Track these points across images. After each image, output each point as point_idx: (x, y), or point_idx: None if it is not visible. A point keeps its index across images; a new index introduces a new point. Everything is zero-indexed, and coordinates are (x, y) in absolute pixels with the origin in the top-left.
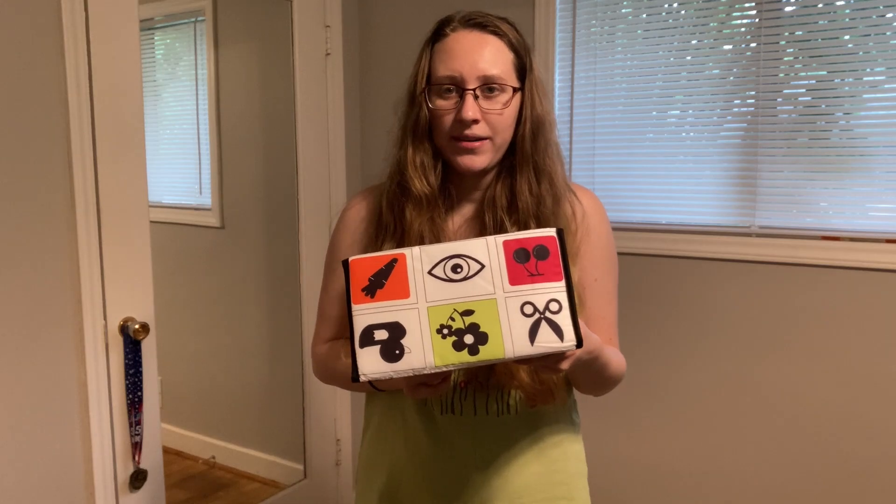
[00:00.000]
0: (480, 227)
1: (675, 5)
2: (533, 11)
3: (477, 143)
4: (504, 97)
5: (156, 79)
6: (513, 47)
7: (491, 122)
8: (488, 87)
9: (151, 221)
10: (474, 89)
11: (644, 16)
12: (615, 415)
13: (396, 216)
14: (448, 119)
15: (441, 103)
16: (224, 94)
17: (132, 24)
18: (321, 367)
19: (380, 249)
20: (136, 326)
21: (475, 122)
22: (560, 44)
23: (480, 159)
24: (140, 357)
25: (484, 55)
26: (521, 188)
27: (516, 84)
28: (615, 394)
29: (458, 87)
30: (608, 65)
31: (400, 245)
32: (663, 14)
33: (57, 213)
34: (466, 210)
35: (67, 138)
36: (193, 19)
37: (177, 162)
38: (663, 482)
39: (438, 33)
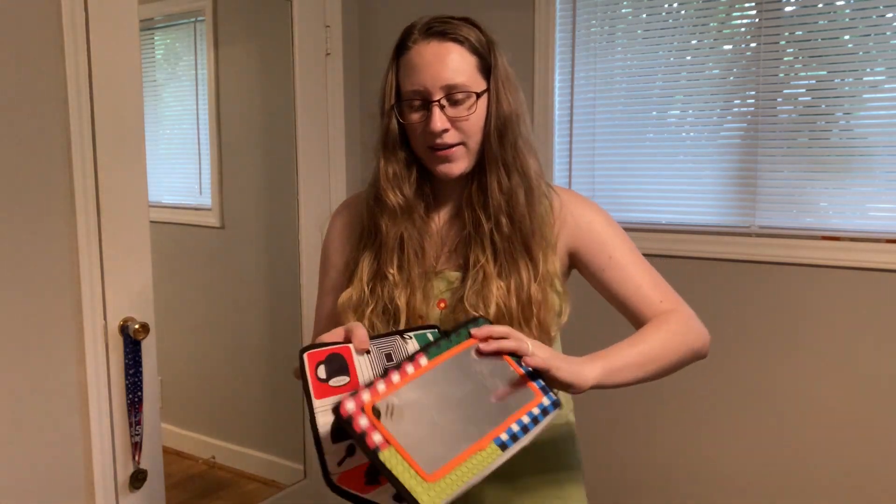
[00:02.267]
0: (461, 225)
1: (675, 5)
2: (533, 11)
3: (451, 151)
4: (469, 102)
5: (156, 79)
6: (475, 50)
7: (461, 127)
8: (453, 95)
9: (151, 221)
10: (439, 100)
11: (644, 16)
12: (613, 415)
13: (376, 225)
14: (421, 131)
15: (412, 117)
16: (224, 94)
17: (132, 24)
18: None
19: (361, 256)
20: (136, 326)
21: (445, 131)
22: (560, 44)
23: (457, 165)
24: (140, 357)
25: (446, 65)
26: (492, 186)
27: (481, 87)
28: (614, 394)
29: (423, 101)
30: (608, 65)
31: (378, 254)
32: (663, 14)
33: (57, 213)
34: (449, 208)
35: (67, 138)
36: (193, 19)
37: (177, 162)
38: (662, 482)
39: (401, 46)
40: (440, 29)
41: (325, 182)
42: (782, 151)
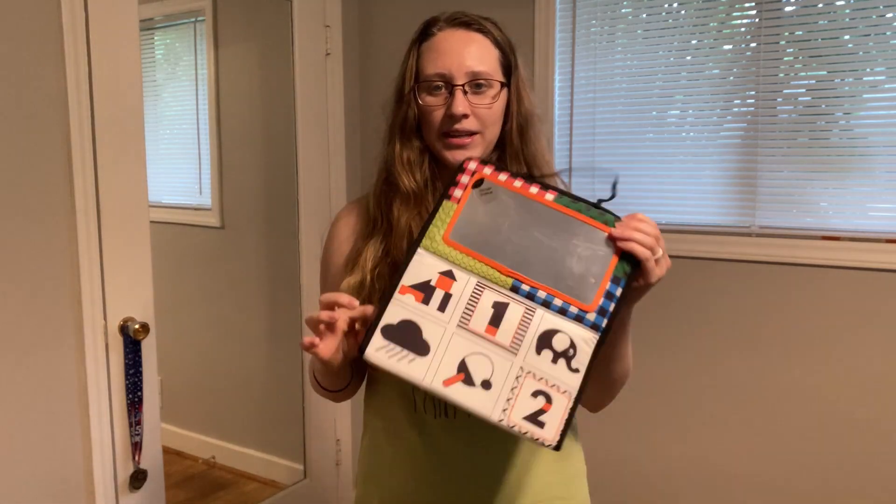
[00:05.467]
0: None
1: (675, 5)
2: (533, 11)
3: (468, 139)
4: (492, 92)
5: (156, 79)
6: (498, 45)
7: (480, 116)
8: (476, 82)
9: (151, 221)
10: (463, 85)
11: (644, 16)
12: (615, 415)
13: (384, 211)
14: (438, 115)
15: (430, 100)
16: (224, 94)
17: (132, 24)
18: (310, 376)
19: (365, 246)
20: (136, 326)
21: (465, 116)
22: (560, 44)
23: (470, 153)
24: (140, 357)
25: (471, 52)
26: None
27: (503, 79)
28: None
29: (447, 84)
30: (608, 65)
31: (385, 241)
32: (663, 14)
33: (57, 213)
34: None
35: (67, 138)
36: (193, 19)
37: (177, 162)
38: (664, 482)
39: (424, 33)
40: (465, 20)
41: (325, 182)
42: (782, 151)
